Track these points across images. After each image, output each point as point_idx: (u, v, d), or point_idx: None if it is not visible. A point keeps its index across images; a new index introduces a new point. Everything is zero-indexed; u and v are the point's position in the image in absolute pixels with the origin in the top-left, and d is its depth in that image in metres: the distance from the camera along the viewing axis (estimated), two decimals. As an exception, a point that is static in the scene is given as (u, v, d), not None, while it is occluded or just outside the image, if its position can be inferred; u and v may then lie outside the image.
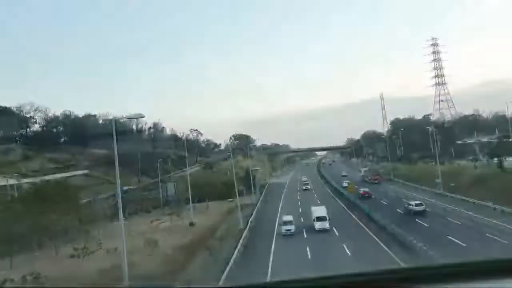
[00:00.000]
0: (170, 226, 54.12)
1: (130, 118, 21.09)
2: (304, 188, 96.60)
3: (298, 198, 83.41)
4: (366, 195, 68.73)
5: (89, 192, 69.30)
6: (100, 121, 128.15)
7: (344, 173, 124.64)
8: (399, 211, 56.55)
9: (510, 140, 71.51)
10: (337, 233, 45.41)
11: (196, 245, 45.94)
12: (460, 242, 36.60)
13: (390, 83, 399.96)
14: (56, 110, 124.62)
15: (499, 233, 38.97)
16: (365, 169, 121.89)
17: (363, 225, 48.57)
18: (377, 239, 40.71)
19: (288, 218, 50.08)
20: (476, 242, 35.47)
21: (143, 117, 19.55)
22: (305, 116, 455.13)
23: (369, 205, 56.75)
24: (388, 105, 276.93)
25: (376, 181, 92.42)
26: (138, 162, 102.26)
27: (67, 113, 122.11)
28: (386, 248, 36.50)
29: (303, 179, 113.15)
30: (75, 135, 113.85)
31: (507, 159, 67.82)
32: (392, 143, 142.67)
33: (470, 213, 51.50)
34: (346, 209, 62.61)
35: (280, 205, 75.19)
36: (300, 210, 61.94)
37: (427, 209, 53.59)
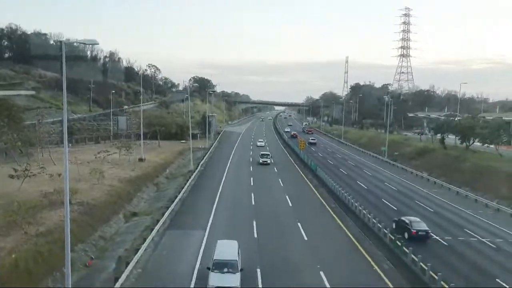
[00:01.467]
0: (118, 159, 53.30)
1: (82, 43, 19.79)
2: (261, 161, 62.38)
3: (251, 154, 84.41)
4: (295, 136, 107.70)
5: (34, 115, 65.90)
6: (51, 42, 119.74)
7: (290, 123, 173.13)
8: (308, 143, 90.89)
9: (456, 119, 75.35)
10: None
11: (143, 180, 45.91)
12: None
13: (357, 47, 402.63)
14: (0, 22, 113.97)
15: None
16: (306, 123, 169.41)
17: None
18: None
19: (226, 252, 21.45)
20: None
21: (97, 43, 18.35)
22: (269, 70, 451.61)
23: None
24: (351, 69, 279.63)
25: (310, 132, 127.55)
26: (90, 90, 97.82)
27: (13, 27, 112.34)
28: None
29: (259, 144, 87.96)
30: (22, 52, 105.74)
31: (449, 136, 71.93)
32: (348, 107, 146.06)
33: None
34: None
35: (232, 153, 75.99)
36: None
37: (316, 142, 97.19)
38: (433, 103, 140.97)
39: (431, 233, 29.86)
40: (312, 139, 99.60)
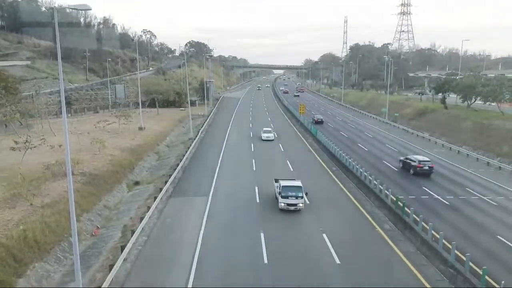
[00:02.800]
0: (118, 128, 53.15)
1: (74, 9, 18.94)
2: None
3: (250, 120, 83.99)
4: (286, 92, 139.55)
5: (31, 86, 65.17)
6: (43, 9, 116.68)
7: (285, 83, 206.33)
8: (293, 96, 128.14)
9: (457, 78, 74.37)
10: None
11: (144, 149, 45.96)
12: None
13: (356, 6, 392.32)
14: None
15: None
16: (299, 83, 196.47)
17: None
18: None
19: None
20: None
21: (90, 9, 17.50)
22: (266, 32, 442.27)
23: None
24: (351, 29, 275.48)
25: (301, 91, 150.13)
26: (86, 58, 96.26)
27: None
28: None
29: (265, 136, 54.21)
30: (14, 21, 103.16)
31: (450, 95, 71.32)
32: (348, 68, 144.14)
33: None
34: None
35: (231, 120, 75.72)
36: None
37: (299, 95, 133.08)
38: (434, 62, 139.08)
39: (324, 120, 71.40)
40: (296, 93, 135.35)
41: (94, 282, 18.25)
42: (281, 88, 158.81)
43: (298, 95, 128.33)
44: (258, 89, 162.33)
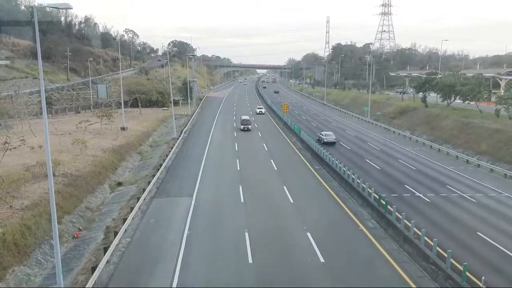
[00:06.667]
0: (100, 128, 52.44)
1: (55, 8, 18.56)
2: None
3: (234, 119, 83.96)
4: (263, 81, 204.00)
5: (10, 86, 63.76)
6: (22, 7, 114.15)
7: (266, 78, 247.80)
8: (264, 84, 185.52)
9: (436, 77, 75.78)
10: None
11: (127, 149, 45.47)
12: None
13: (338, 6, 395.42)
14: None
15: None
16: (274, 77, 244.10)
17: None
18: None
19: None
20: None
21: (71, 8, 17.17)
22: (249, 32, 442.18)
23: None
24: (333, 29, 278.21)
25: (274, 82, 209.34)
26: (67, 58, 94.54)
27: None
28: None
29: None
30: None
31: (430, 94, 72.63)
32: (331, 68, 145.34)
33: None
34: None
35: (215, 119, 75.52)
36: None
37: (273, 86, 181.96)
38: (414, 62, 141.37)
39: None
40: (267, 80, 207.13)
41: (76, 285, 17.96)
42: (262, 80, 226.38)
43: (269, 82, 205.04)
44: (243, 90, 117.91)
